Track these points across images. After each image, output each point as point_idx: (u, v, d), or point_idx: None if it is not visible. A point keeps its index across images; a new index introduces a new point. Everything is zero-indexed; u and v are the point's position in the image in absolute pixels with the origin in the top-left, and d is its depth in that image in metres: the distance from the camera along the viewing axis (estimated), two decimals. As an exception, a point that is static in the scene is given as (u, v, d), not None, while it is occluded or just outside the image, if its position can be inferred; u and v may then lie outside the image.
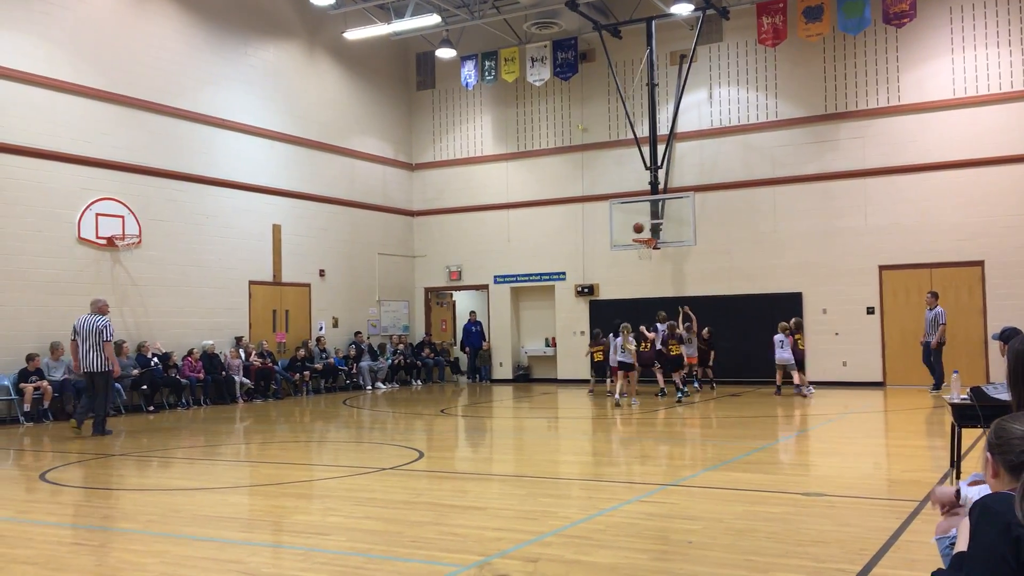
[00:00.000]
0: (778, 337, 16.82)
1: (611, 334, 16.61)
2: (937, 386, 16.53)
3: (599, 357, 17.32)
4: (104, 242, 16.12)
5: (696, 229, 19.59)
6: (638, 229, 19.48)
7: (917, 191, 18.45)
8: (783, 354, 16.71)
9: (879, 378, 18.61)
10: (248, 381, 17.98)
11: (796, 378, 16.64)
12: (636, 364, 15.75)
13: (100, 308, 12.99)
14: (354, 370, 20.92)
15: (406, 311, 23.83)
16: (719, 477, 8.32)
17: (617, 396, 15.62)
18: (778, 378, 16.97)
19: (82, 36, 16.05)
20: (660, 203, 20.19)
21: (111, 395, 13.45)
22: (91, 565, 5.45)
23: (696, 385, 17.91)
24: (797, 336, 16.97)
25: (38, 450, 11.69)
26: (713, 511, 6.65)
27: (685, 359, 17.01)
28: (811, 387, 16.93)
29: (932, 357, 16.60)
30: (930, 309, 16.78)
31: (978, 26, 18.06)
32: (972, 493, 3.40)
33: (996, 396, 5.94)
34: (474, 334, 22.92)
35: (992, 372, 17.27)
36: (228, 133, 18.80)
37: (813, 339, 19.30)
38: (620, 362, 15.80)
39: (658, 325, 17.12)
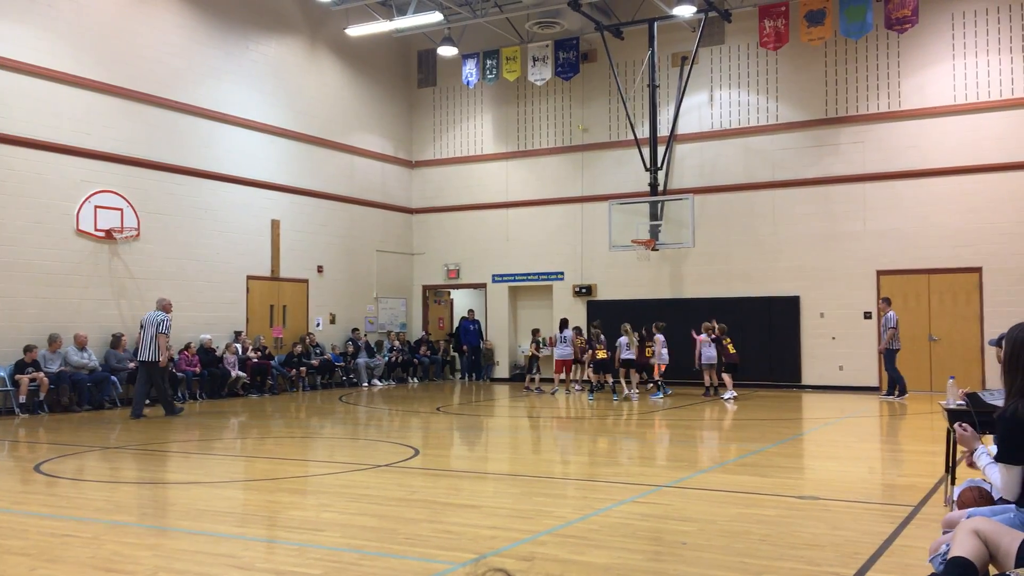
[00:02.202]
0: (704, 336, 17.39)
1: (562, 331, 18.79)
2: (890, 392, 16.58)
3: (531, 352, 20.21)
4: (102, 234, 16.11)
5: (695, 231, 19.61)
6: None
7: (916, 197, 18.47)
8: (710, 352, 17.38)
9: (875, 383, 18.61)
10: (243, 374, 17.95)
11: (707, 378, 17.47)
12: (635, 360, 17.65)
13: (164, 306, 14.34)
14: (352, 366, 20.91)
15: (404, 309, 23.82)
16: (714, 479, 8.32)
17: (630, 392, 17.34)
18: (708, 380, 17.41)
19: (84, 28, 16.03)
20: (659, 204, 20.20)
21: (166, 381, 14.60)
22: (85, 557, 5.44)
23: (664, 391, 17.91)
24: (726, 340, 17.14)
25: (33, 442, 11.68)
26: (707, 513, 6.65)
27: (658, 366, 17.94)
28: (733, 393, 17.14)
29: (887, 363, 16.71)
30: (882, 314, 16.88)
31: (980, 33, 18.08)
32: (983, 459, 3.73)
33: (992, 402, 5.94)
34: (471, 332, 22.91)
35: (988, 378, 17.29)
36: (228, 127, 18.79)
37: (810, 343, 19.33)
38: (625, 359, 17.32)
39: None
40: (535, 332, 20.42)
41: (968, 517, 3.58)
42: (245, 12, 19.30)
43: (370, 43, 22.36)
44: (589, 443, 11.79)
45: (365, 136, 22.64)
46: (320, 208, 21.09)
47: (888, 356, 16.70)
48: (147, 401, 14.52)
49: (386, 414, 15.20)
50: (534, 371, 19.69)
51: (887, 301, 17.06)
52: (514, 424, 14.00)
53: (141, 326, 14.29)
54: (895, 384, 16.61)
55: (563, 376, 18.95)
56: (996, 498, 4.05)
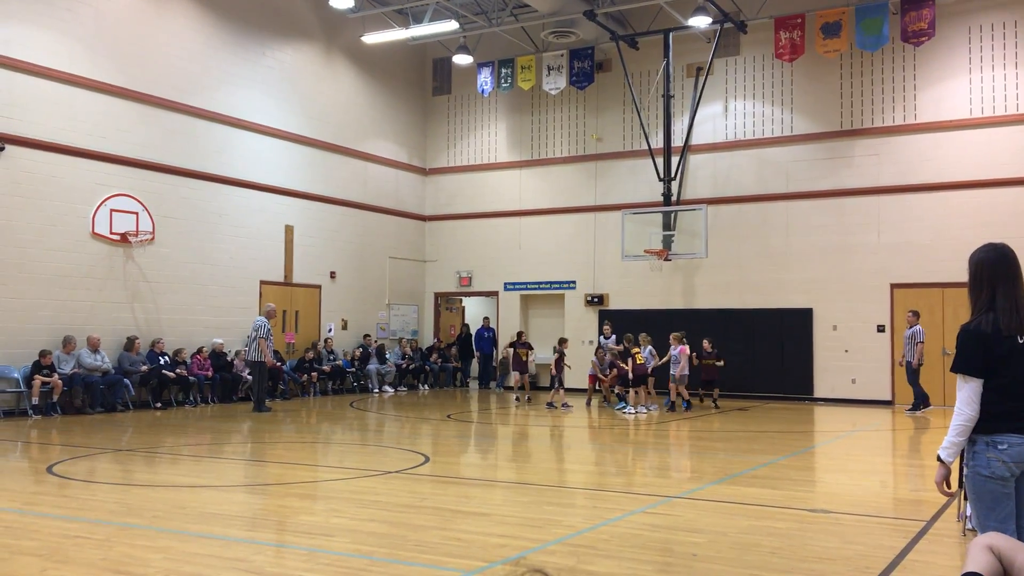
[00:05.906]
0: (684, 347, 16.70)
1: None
2: (915, 407, 16.43)
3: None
4: (117, 238, 16.20)
5: (708, 242, 19.56)
6: None
7: (931, 210, 18.38)
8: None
9: (888, 396, 18.52)
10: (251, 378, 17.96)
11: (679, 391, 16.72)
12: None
13: (268, 313, 16.13)
14: (363, 372, 20.92)
15: (415, 315, 23.85)
16: (725, 491, 8.29)
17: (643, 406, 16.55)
18: (679, 393, 16.71)
19: (102, 33, 16.16)
20: (672, 215, 20.18)
21: (264, 381, 15.91)
22: (95, 559, 5.47)
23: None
24: (634, 350, 16.34)
25: (46, 443, 11.74)
26: (718, 525, 6.63)
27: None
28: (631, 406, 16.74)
29: (910, 378, 16.54)
30: (909, 327, 16.69)
31: (996, 46, 18.01)
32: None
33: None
34: (486, 340, 22.92)
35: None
36: (243, 133, 18.88)
37: (823, 356, 19.24)
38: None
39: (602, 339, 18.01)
40: (519, 334, 20.47)
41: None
42: (262, 18, 19.41)
43: (386, 51, 22.45)
44: (598, 453, 11.76)
45: (379, 143, 22.71)
46: (333, 214, 21.16)
47: (914, 370, 16.49)
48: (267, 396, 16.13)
49: (396, 421, 15.21)
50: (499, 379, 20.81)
51: (915, 314, 16.72)
52: (524, 432, 13.99)
53: (253, 330, 15.78)
54: (920, 399, 16.47)
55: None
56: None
